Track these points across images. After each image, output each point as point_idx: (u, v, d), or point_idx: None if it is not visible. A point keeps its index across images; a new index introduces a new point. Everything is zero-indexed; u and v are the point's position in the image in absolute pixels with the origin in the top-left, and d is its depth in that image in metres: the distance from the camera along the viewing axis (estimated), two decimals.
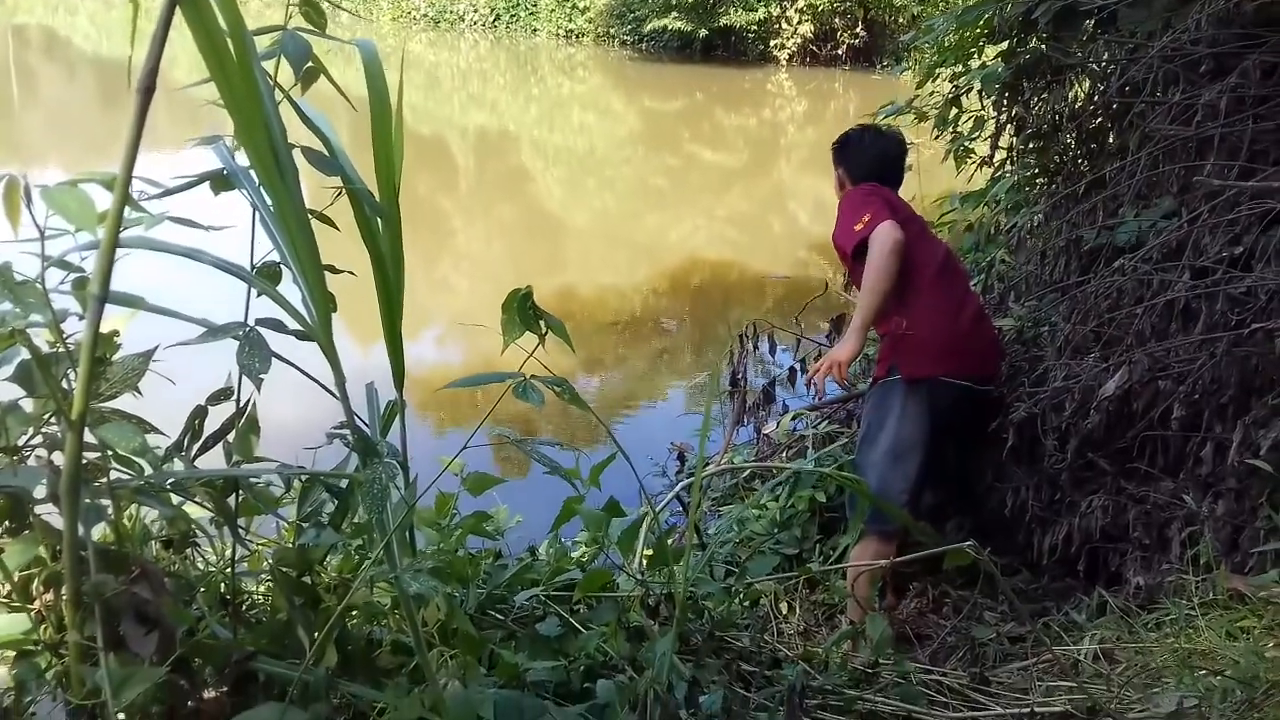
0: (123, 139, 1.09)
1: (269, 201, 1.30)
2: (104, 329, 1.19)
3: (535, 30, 28.49)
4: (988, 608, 3.27)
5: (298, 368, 1.46)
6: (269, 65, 1.38)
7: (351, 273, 1.53)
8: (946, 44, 5.04)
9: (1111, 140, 4.21)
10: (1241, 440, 2.62)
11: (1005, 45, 4.55)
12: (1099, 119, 4.23)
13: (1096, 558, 3.06)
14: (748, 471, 4.15)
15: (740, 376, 4.62)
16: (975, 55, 4.94)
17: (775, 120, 19.06)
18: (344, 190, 1.47)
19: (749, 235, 11.04)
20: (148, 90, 1.02)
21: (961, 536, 3.23)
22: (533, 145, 16.32)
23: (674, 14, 24.11)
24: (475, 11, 29.45)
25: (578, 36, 27.66)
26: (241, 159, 1.50)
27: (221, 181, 1.45)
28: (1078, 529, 3.02)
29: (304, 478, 1.60)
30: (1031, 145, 4.60)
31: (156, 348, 1.44)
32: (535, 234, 11.01)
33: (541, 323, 1.32)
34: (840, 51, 24.73)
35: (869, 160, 3.44)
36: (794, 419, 4.17)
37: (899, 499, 3.12)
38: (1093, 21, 4.01)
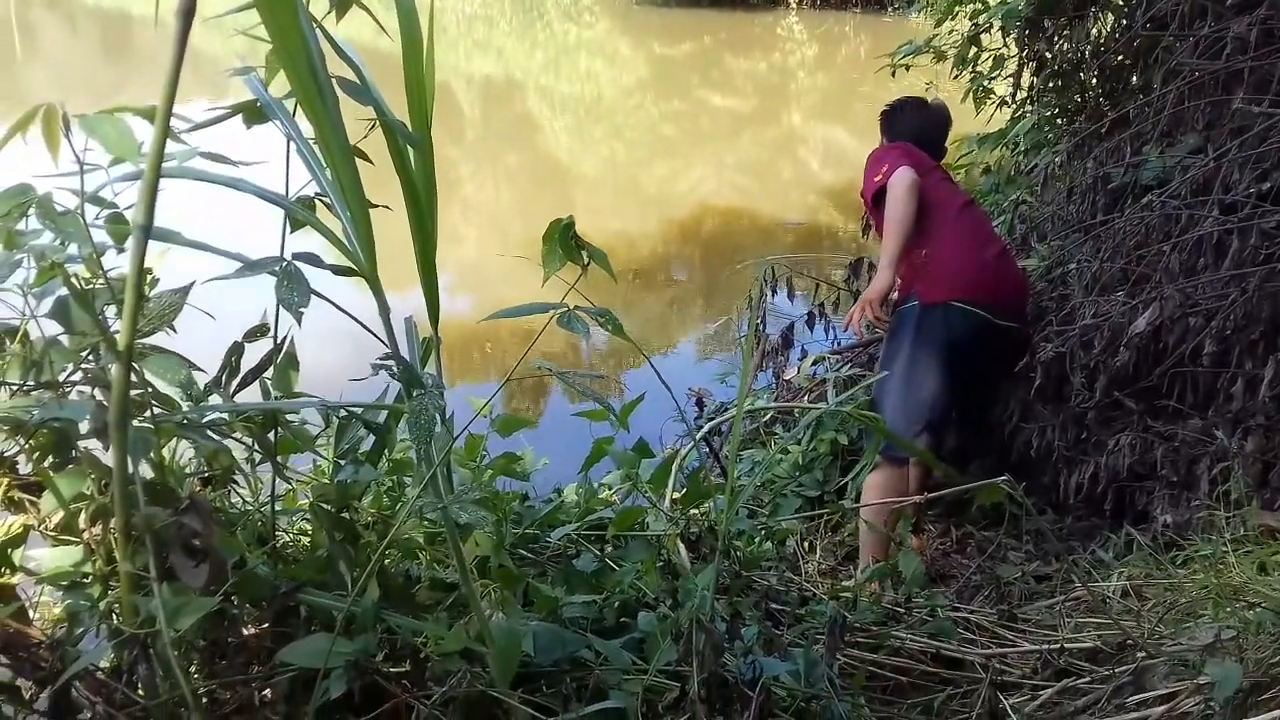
0: (162, 68, 1.07)
1: (306, 132, 1.28)
2: None
3: None
4: (1012, 548, 3.28)
5: (334, 303, 1.45)
6: None
7: (387, 207, 1.51)
8: None
9: (1135, 79, 4.16)
10: (1273, 376, 2.60)
11: None
12: (1121, 56, 4.17)
13: (1123, 496, 3.05)
14: (768, 416, 4.14)
15: (760, 321, 4.60)
16: None
17: (785, 65, 18.84)
18: (375, 124, 1.45)
19: (760, 182, 10.95)
20: (188, 13, 0.99)
21: (985, 477, 3.23)
22: (539, 93, 16.16)
23: None
24: None
25: None
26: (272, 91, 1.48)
27: (254, 113, 1.42)
28: (1104, 468, 3.01)
29: (341, 414, 1.59)
30: (1052, 84, 4.54)
31: (193, 283, 1.43)
32: (543, 182, 10.93)
33: (584, 254, 1.30)
34: None
35: (910, 130, 3.59)
36: (815, 363, 4.15)
37: (914, 426, 3.15)
38: None
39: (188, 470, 1.60)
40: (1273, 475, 2.64)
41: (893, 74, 5.66)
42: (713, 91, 16.10)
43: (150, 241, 1.16)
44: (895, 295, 3.33)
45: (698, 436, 2.49)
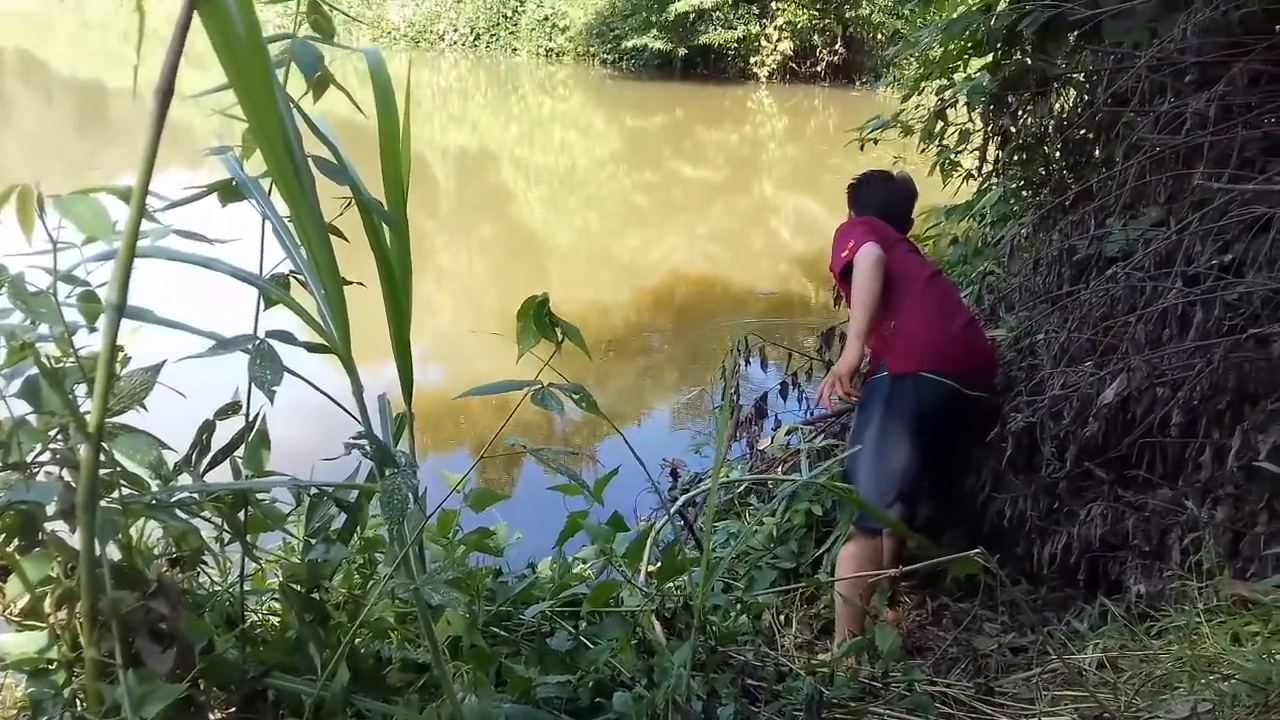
0: (139, 144, 1.07)
1: (282, 210, 1.29)
2: None
3: (515, 50, 28.53)
4: (987, 619, 3.27)
5: (308, 381, 1.44)
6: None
7: (361, 284, 1.51)
8: (932, 57, 5.09)
9: (1097, 153, 4.25)
10: (1240, 446, 2.62)
11: (990, 58, 4.59)
12: (1083, 131, 4.26)
13: (1096, 566, 3.05)
14: (743, 487, 4.14)
15: (733, 391, 4.61)
16: (960, 68, 4.98)
17: (756, 137, 19.13)
18: (351, 202, 1.46)
19: (731, 252, 11.04)
20: (166, 92, 1.00)
21: (958, 548, 3.23)
22: (514, 164, 16.30)
23: (654, 32, 24.23)
24: (455, 31, 29.47)
25: (558, 55, 27.72)
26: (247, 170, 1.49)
27: (229, 192, 1.43)
28: (1077, 538, 3.02)
29: (312, 492, 1.58)
30: (1016, 158, 4.63)
31: (164, 362, 1.42)
32: (517, 253, 10.99)
33: (558, 330, 1.31)
34: (819, 68, 24.89)
35: (876, 203, 3.70)
36: (788, 433, 4.16)
37: (886, 497, 3.17)
38: (1077, 33, 4.05)
39: (155, 551, 1.57)
40: (1243, 545, 2.65)
41: (861, 147, 5.76)
42: (684, 163, 16.31)
43: (125, 319, 1.16)
44: (866, 366, 3.36)
45: (672, 510, 2.48)
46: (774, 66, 24.67)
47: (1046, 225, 4.07)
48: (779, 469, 4.09)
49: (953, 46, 4.83)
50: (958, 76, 4.97)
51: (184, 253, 1.27)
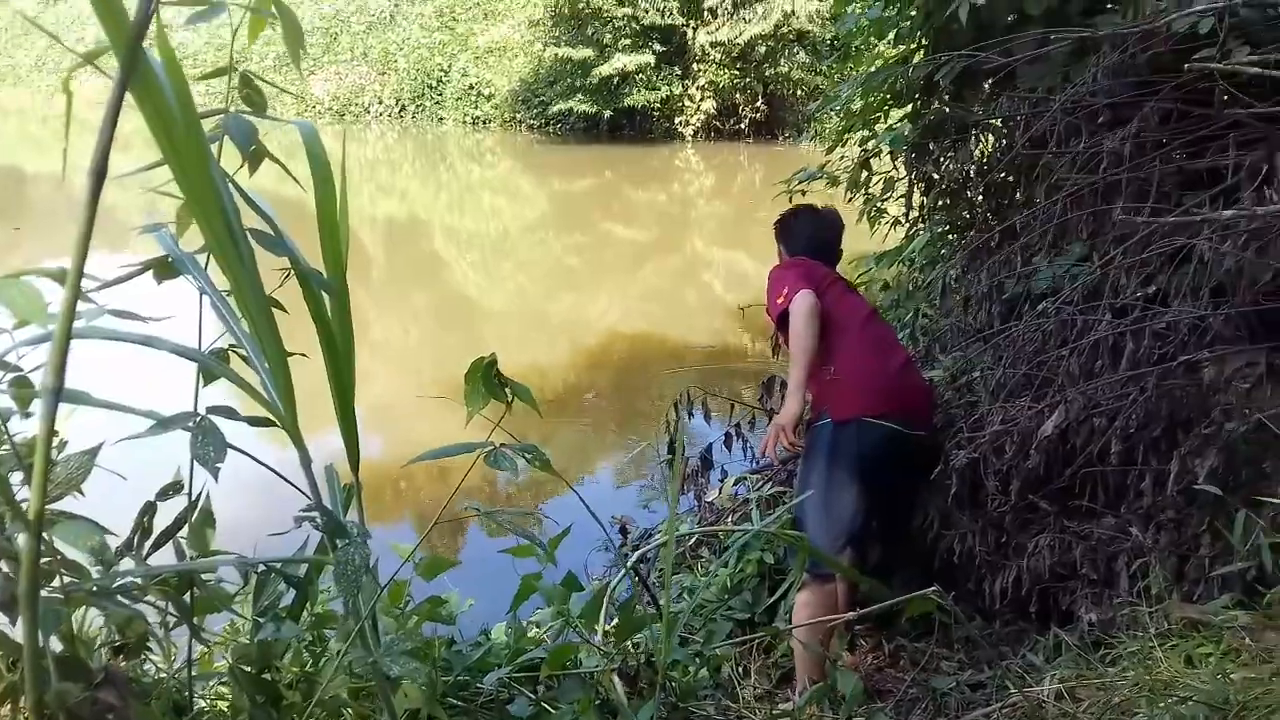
0: (63, 226, 1.05)
1: (222, 284, 1.27)
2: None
3: (442, 119, 28.66)
4: (944, 658, 3.28)
5: (253, 457, 1.42)
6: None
7: (304, 354, 1.49)
8: (853, 110, 5.20)
9: (1019, 194, 4.36)
10: (1178, 471, 2.68)
11: (910, 107, 4.70)
12: (1004, 174, 4.38)
13: (1047, 598, 3.08)
14: (693, 539, 4.13)
15: (679, 445, 4.62)
16: (881, 119, 5.10)
17: (684, 195, 19.37)
18: (289, 274, 1.45)
19: (666, 308, 11.12)
20: (99, 174, 0.99)
21: (910, 588, 3.24)
22: (445, 231, 16.31)
23: (579, 96, 24.56)
24: (380, 103, 29.55)
25: (484, 123, 27.89)
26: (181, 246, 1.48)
27: (165, 268, 1.41)
28: (1027, 570, 3.05)
29: (260, 570, 1.54)
30: (941, 203, 4.73)
31: (101, 445, 1.38)
32: (452, 319, 10.96)
33: (508, 390, 1.30)
34: (743, 126, 25.41)
35: (804, 236, 3.69)
36: (736, 483, 4.17)
37: (836, 542, 3.17)
38: (992, 80, 4.17)
39: (98, 639, 1.52)
40: (1189, 568, 2.70)
41: (789, 200, 5.83)
42: (616, 223, 16.44)
43: (61, 402, 1.13)
44: (809, 413, 3.37)
45: (628, 565, 2.47)
46: (698, 125, 25.12)
47: (975, 266, 4.15)
48: (729, 519, 4.09)
49: (873, 98, 4.94)
50: (879, 127, 5.08)
51: (121, 332, 1.24)
